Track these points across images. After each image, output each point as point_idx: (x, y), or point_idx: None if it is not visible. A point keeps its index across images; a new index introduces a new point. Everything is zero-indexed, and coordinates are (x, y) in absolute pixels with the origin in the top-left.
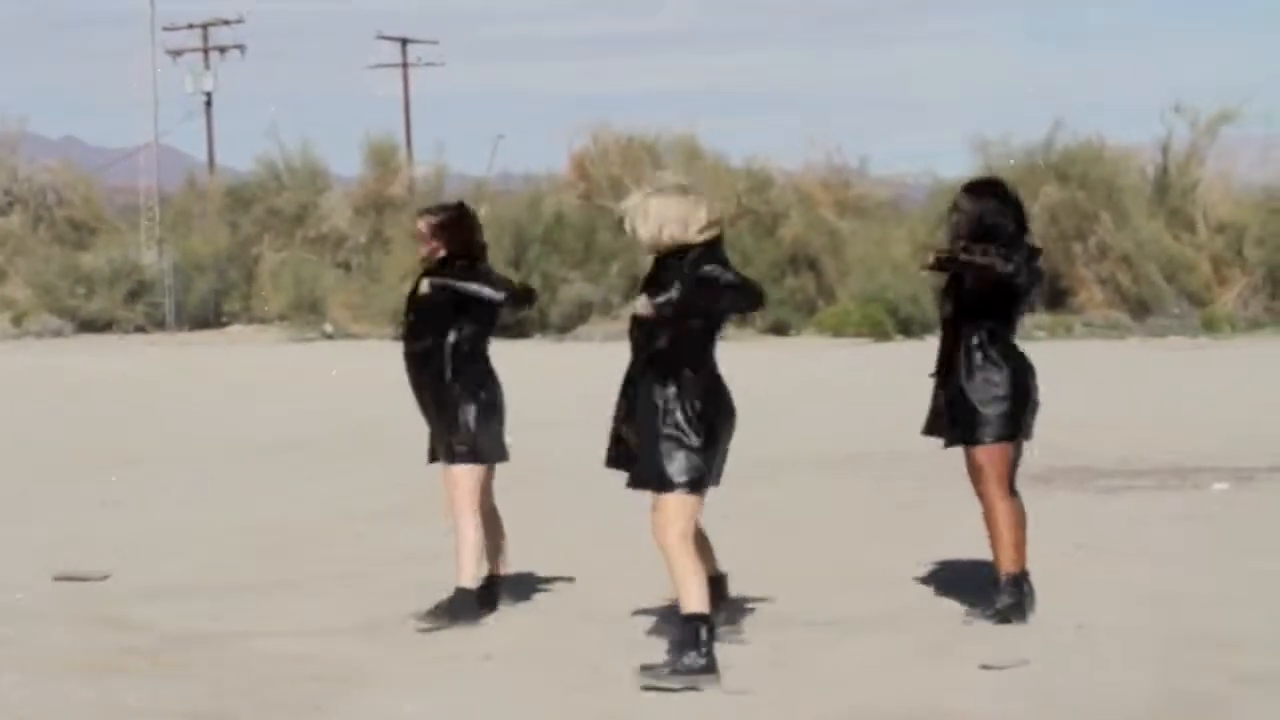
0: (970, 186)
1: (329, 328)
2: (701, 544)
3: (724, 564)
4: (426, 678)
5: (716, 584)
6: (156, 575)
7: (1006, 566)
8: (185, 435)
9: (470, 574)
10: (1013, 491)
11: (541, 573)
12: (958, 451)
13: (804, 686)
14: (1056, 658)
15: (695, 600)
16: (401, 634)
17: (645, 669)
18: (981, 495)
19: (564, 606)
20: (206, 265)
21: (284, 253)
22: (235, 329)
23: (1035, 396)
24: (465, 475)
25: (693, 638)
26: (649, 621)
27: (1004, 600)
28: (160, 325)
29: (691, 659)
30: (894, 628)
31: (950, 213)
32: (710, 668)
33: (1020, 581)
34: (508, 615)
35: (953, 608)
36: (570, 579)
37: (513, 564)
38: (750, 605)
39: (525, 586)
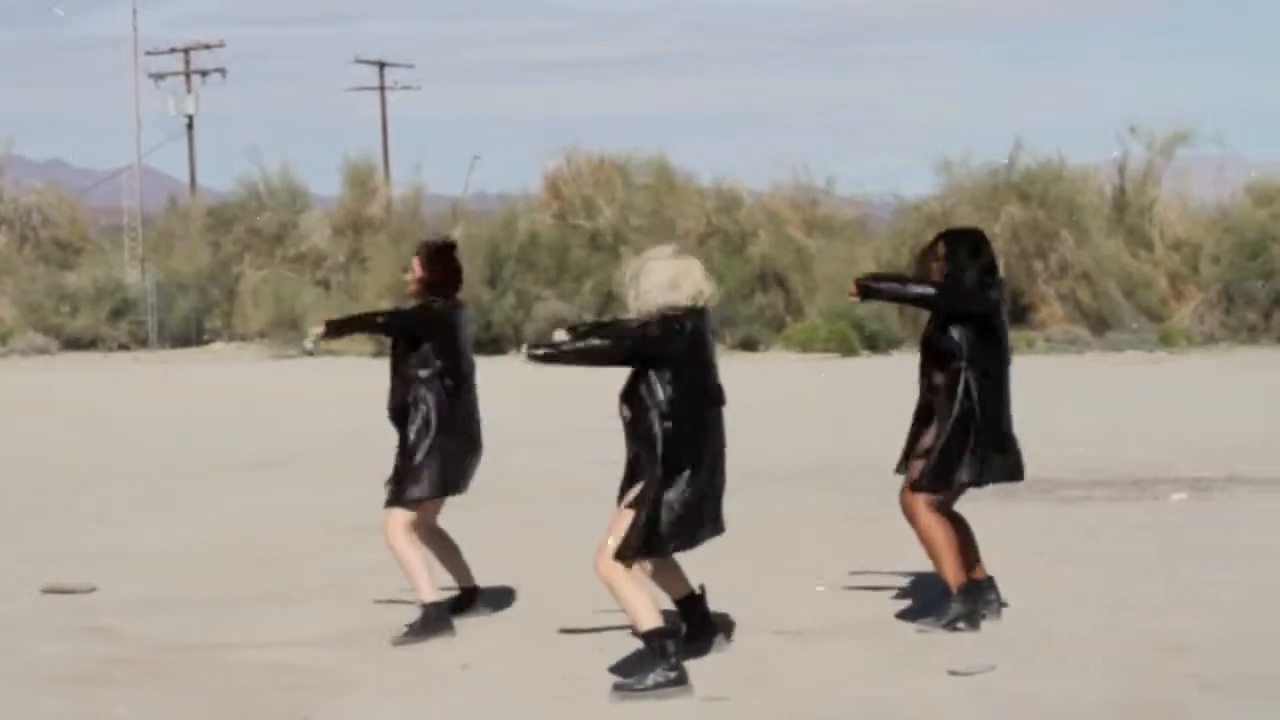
0: (955, 235)
1: (309, 345)
2: (669, 566)
3: (697, 576)
4: (407, 687)
5: (693, 602)
6: (142, 588)
7: (951, 581)
8: (169, 451)
9: (428, 588)
10: (946, 513)
11: (518, 585)
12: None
13: (776, 695)
14: (1022, 664)
15: (648, 619)
16: (383, 644)
17: (617, 687)
18: (911, 519)
19: (540, 618)
20: (188, 284)
21: (264, 271)
22: (217, 346)
23: (1001, 443)
24: (394, 511)
25: (656, 654)
26: (623, 634)
27: (955, 609)
28: (143, 343)
29: (660, 674)
30: (863, 636)
31: (926, 258)
32: (681, 679)
33: (970, 590)
34: (485, 626)
35: (919, 616)
36: (546, 592)
37: (487, 577)
38: (722, 614)
39: (502, 599)
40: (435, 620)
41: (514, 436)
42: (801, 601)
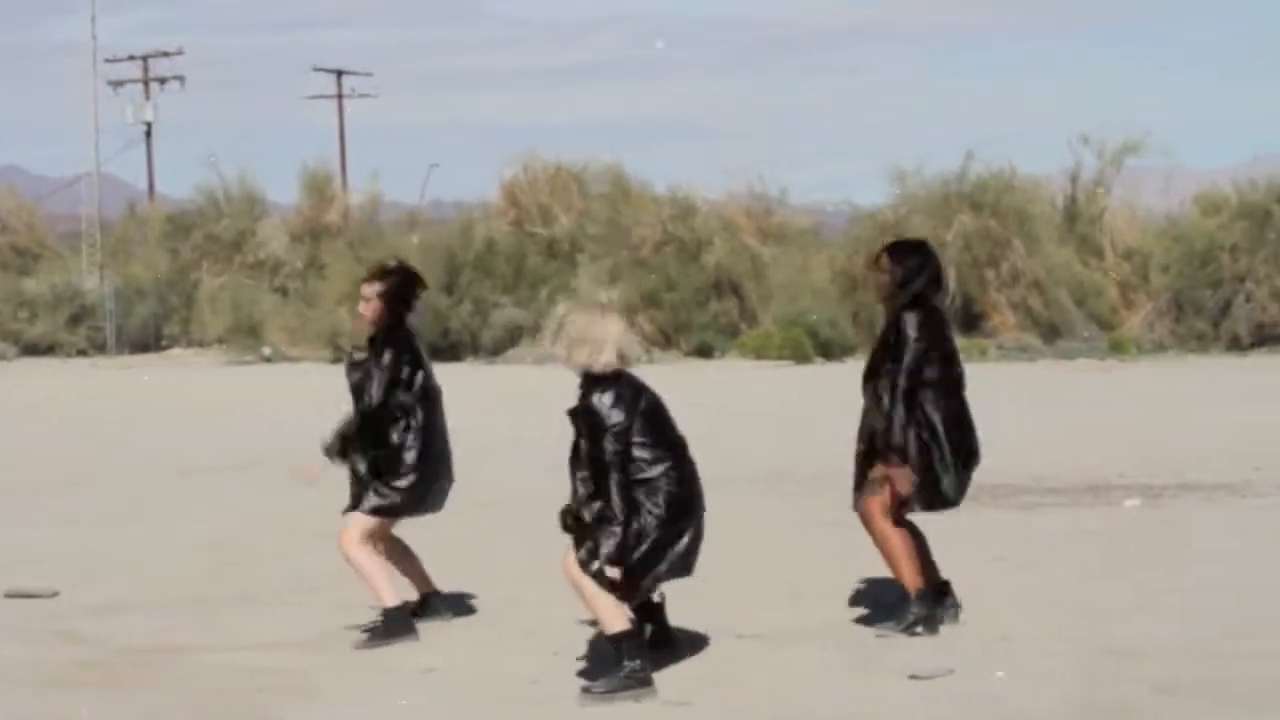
0: (902, 246)
1: (267, 351)
2: None
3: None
4: (373, 689)
5: (651, 610)
6: (107, 592)
7: (910, 586)
8: (130, 456)
9: (388, 593)
10: (901, 521)
11: (482, 590)
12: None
13: (740, 698)
14: (981, 668)
15: (616, 621)
16: (349, 647)
17: (585, 690)
18: (868, 527)
19: (504, 623)
20: (147, 290)
21: (222, 278)
22: (175, 352)
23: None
24: (354, 516)
25: (622, 656)
26: (587, 639)
27: (914, 614)
28: (102, 349)
29: (625, 677)
30: (824, 640)
31: (877, 267)
32: (645, 681)
33: (929, 595)
34: (450, 631)
35: (878, 621)
36: (509, 596)
37: (453, 583)
38: (683, 619)
39: (467, 604)
40: (397, 625)
41: (473, 444)
42: (763, 606)
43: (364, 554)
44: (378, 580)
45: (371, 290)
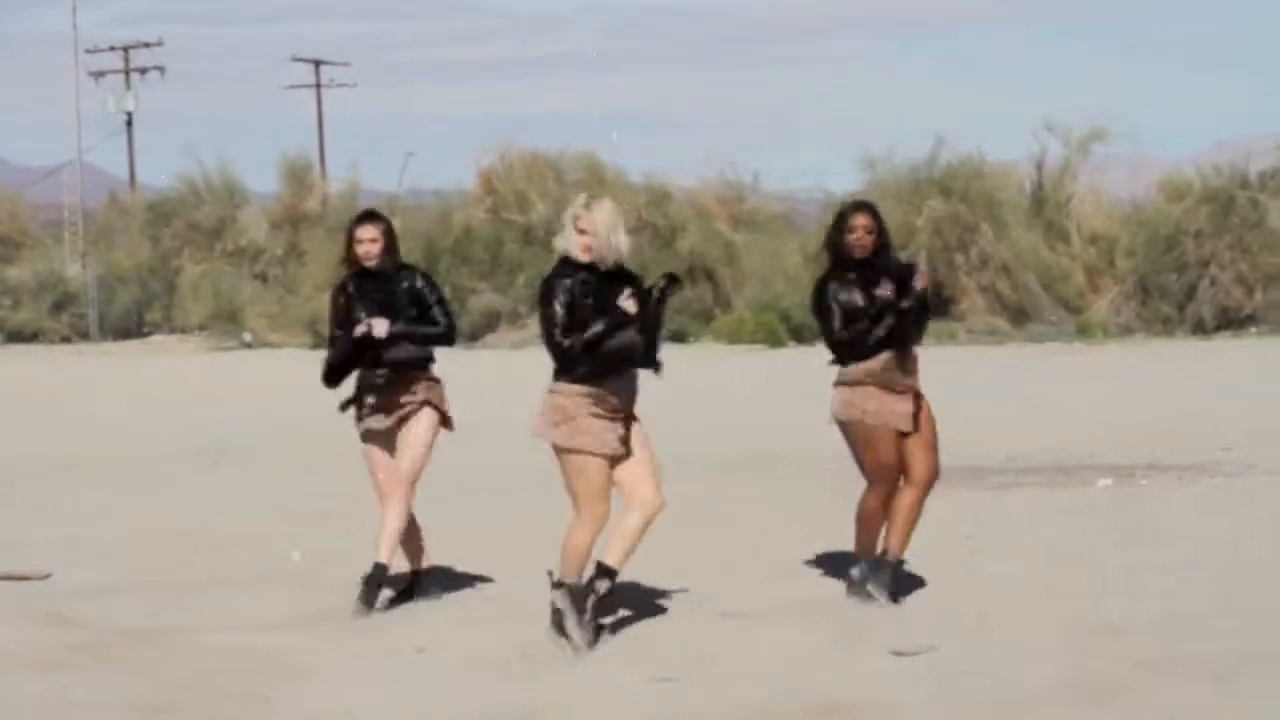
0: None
1: (248, 337)
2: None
3: (640, 558)
4: (364, 669)
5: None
6: (97, 575)
7: (856, 549)
8: (116, 442)
9: (386, 551)
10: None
11: (470, 572)
12: (849, 452)
13: (725, 674)
14: (963, 645)
15: (624, 559)
16: (338, 628)
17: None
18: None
19: (493, 603)
20: (129, 278)
21: (204, 265)
22: (157, 339)
23: None
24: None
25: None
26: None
27: (858, 574)
28: (85, 336)
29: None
30: (807, 617)
31: (840, 234)
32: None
33: (871, 563)
34: (440, 610)
35: (857, 596)
36: (497, 578)
37: (442, 563)
38: (667, 597)
39: (455, 585)
40: (369, 589)
41: (455, 427)
42: (746, 584)
43: (397, 509)
44: (388, 535)
45: (378, 230)
